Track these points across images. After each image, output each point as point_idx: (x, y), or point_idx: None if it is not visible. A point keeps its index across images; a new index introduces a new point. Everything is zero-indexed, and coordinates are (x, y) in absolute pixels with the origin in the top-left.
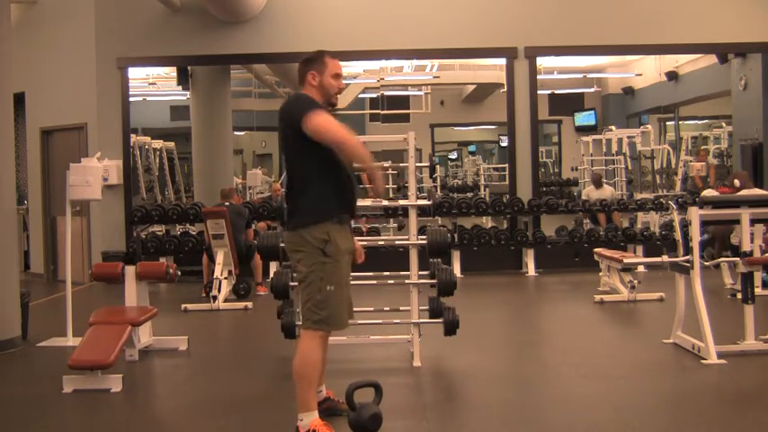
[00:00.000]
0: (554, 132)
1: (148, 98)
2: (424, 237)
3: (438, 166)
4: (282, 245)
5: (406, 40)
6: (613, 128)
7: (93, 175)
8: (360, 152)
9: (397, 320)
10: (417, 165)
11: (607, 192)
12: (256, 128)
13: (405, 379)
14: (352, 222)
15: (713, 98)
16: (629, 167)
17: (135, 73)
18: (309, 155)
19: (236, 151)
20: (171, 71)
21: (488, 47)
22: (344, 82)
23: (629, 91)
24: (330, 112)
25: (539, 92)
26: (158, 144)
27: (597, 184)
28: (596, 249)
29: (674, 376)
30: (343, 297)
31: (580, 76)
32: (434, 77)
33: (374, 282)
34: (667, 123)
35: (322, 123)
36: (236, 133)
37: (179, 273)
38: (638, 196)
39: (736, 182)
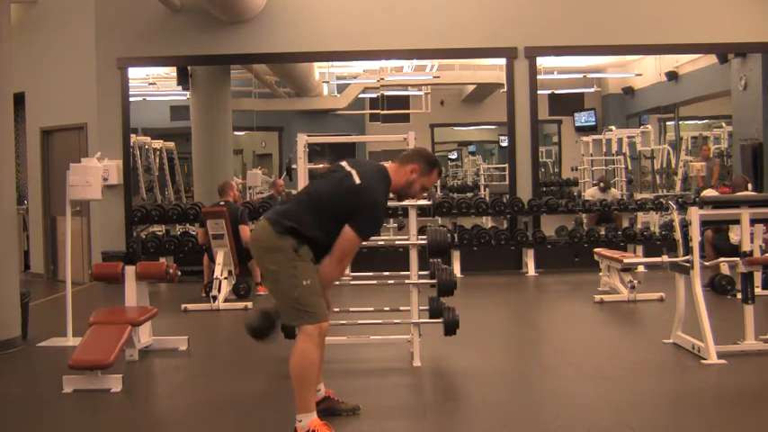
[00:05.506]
0: (554, 132)
1: (148, 98)
2: (424, 237)
3: None
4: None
5: (406, 40)
6: (613, 128)
7: (93, 175)
8: (334, 276)
9: (397, 320)
10: None
11: (610, 196)
12: (256, 128)
13: (405, 379)
14: None
15: (713, 98)
16: (629, 167)
17: (135, 73)
18: (332, 216)
19: (236, 151)
20: (171, 71)
21: (488, 47)
22: (345, 82)
23: (629, 91)
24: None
25: (539, 92)
26: (158, 144)
27: (604, 189)
28: (596, 249)
29: (674, 376)
30: (318, 288)
31: (580, 76)
32: (434, 77)
33: (374, 282)
34: (667, 123)
35: (350, 245)
36: (236, 133)
37: (179, 273)
38: (638, 196)
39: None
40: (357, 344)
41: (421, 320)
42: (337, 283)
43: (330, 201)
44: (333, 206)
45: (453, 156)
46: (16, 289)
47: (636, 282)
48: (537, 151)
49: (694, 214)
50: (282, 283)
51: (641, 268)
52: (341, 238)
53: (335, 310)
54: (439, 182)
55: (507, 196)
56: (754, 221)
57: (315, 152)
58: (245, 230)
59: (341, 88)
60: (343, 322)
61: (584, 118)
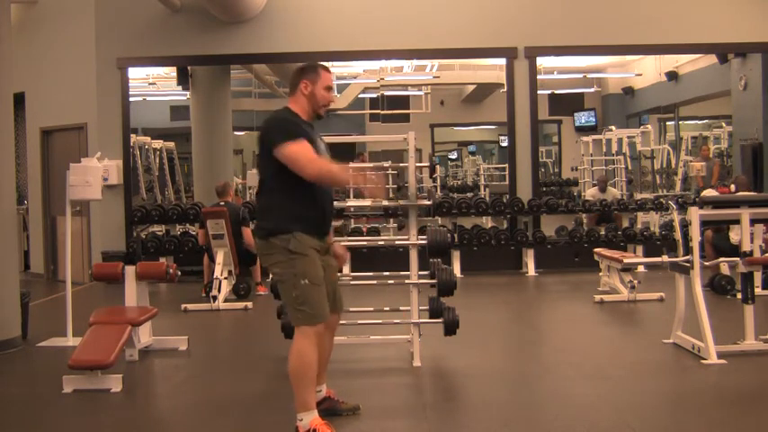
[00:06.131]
0: (554, 132)
1: (148, 98)
2: (424, 237)
3: (438, 166)
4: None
5: (406, 40)
6: (613, 128)
7: (93, 175)
8: (337, 179)
9: (397, 320)
10: (417, 165)
11: (609, 196)
12: (256, 128)
13: (405, 379)
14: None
15: (713, 98)
16: (629, 167)
17: (135, 73)
18: (276, 173)
19: (236, 151)
20: (171, 71)
21: (488, 47)
22: (345, 82)
23: (629, 91)
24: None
25: (539, 92)
26: (158, 144)
27: (603, 188)
28: (596, 249)
29: (674, 376)
30: (320, 290)
31: (580, 76)
32: (434, 77)
33: (374, 282)
34: (667, 123)
35: (292, 156)
36: (236, 133)
37: (179, 273)
38: (638, 196)
39: (732, 187)
40: (357, 344)
41: (421, 320)
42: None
43: (264, 164)
44: (267, 165)
45: (453, 156)
46: (16, 289)
47: (636, 282)
48: (537, 151)
49: (694, 214)
50: (286, 283)
51: (641, 268)
52: (285, 160)
53: (347, 309)
54: (439, 181)
55: (507, 196)
56: (754, 221)
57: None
58: (248, 232)
59: (341, 88)
60: (343, 322)
61: (584, 118)
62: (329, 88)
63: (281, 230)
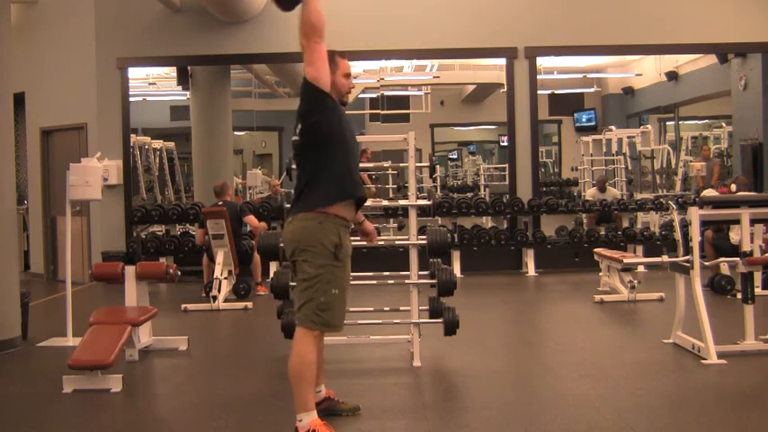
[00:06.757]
0: (554, 132)
1: (148, 98)
2: (424, 237)
3: (438, 166)
4: (282, 244)
5: (406, 40)
6: (613, 128)
7: (93, 175)
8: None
9: (397, 320)
10: (417, 165)
11: (609, 196)
12: (256, 128)
13: (405, 379)
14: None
15: (713, 98)
16: (629, 167)
17: (135, 73)
18: (321, 145)
19: (236, 151)
20: (171, 71)
21: (488, 47)
22: None
23: (629, 91)
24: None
25: (539, 92)
26: (158, 144)
27: (602, 188)
28: (596, 249)
29: (674, 376)
30: (344, 300)
31: (580, 76)
32: (434, 77)
33: (374, 282)
34: (667, 123)
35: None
36: (236, 133)
37: (179, 273)
38: (638, 196)
39: (733, 186)
40: (357, 344)
41: (421, 320)
42: None
43: (299, 142)
44: (303, 140)
45: (453, 156)
46: (16, 289)
47: (636, 282)
48: (537, 151)
49: (694, 214)
50: (315, 286)
51: (641, 268)
52: (311, 64)
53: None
54: (439, 181)
55: (507, 196)
56: (754, 221)
57: None
58: (252, 219)
59: None
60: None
61: (584, 118)
62: (348, 75)
63: (328, 201)
